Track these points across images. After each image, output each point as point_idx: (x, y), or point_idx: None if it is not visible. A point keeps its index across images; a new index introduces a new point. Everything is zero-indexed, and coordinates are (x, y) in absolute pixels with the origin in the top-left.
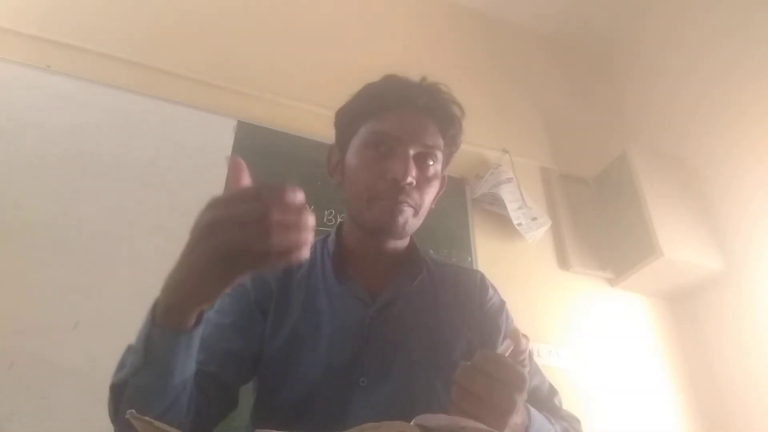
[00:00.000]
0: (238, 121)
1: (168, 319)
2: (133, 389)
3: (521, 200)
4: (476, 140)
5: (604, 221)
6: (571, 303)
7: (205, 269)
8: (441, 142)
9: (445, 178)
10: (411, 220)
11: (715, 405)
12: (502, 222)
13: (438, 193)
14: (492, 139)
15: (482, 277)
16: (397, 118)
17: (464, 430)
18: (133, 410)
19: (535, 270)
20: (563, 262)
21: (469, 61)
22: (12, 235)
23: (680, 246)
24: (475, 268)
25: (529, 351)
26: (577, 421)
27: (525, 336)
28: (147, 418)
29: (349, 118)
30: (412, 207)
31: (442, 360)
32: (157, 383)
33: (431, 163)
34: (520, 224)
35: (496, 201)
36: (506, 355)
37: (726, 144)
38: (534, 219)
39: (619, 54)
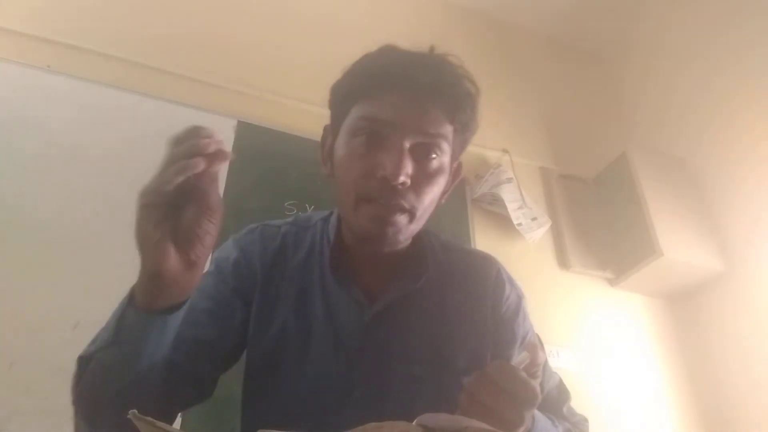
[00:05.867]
0: (238, 121)
1: (144, 301)
2: (97, 365)
3: (521, 200)
4: (476, 140)
5: (604, 221)
6: (571, 303)
7: (144, 237)
8: (448, 129)
9: (460, 165)
10: (405, 228)
11: (715, 405)
12: (502, 222)
13: (449, 188)
14: (492, 139)
15: (498, 272)
16: (393, 100)
17: (467, 430)
18: (135, 411)
19: (535, 270)
20: (563, 262)
21: (469, 62)
22: (12, 235)
23: (680, 246)
24: None
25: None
26: (585, 420)
27: (542, 348)
28: (148, 418)
29: (340, 97)
30: (406, 211)
31: (445, 373)
32: (122, 363)
33: (434, 156)
34: (520, 224)
35: (496, 201)
36: (521, 367)
37: (726, 144)
38: (534, 219)
39: (619, 54)
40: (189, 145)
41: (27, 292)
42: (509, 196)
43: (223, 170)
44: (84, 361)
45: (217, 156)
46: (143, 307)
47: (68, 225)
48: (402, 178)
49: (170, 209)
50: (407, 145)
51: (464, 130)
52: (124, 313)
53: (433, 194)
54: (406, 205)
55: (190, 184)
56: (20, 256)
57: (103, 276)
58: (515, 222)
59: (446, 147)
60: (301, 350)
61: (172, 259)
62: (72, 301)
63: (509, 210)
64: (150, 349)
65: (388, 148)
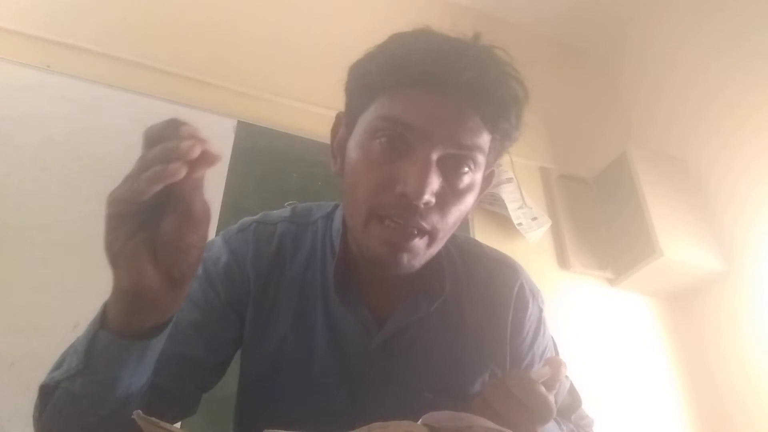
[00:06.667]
0: (238, 121)
1: (118, 323)
2: (64, 395)
3: (521, 200)
4: None
5: (604, 221)
6: (571, 303)
7: (115, 252)
8: (486, 139)
9: (493, 174)
10: (423, 253)
11: (715, 405)
12: (502, 222)
13: (477, 199)
14: None
15: (521, 286)
16: (423, 100)
17: (471, 429)
18: (140, 411)
19: (535, 270)
20: (563, 262)
21: None
22: (12, 235)
23: (680, 246)
24: None
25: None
26: (592, 422)
27: (564, 365)
28: (153, 419)
29: (360, 85)
30: (426, 234)
31: (458, 400)
32: (94, 393)
33: (466, 170)
34: (520, 224)
35: (496, 201)
36: (541, 381)
37: (726, 144)
38: (534, 219)
39: (619, 54)
40: (166, 148)
41: (27, 292)
42: (509, 195)
43: (222, 169)
44: (48, 390)
45: (202, 161)
46: (118, 330)
47: (68, 224)
48: (426, 197)
49: (146, 219)
50: (435, 156)
51: (504, 139)
52: (95, 336)
53: (459, 214)
54: (427, 227)
55: (169, 191)
56: (20, 256)
57: (104, 276)
58: (515, 222)
59: (481, 160)
60: (299, 374)
61: (151, 277)
62: (72, 301)
63: (509, 210)
64: (127, 377)
65: (412, 159)
